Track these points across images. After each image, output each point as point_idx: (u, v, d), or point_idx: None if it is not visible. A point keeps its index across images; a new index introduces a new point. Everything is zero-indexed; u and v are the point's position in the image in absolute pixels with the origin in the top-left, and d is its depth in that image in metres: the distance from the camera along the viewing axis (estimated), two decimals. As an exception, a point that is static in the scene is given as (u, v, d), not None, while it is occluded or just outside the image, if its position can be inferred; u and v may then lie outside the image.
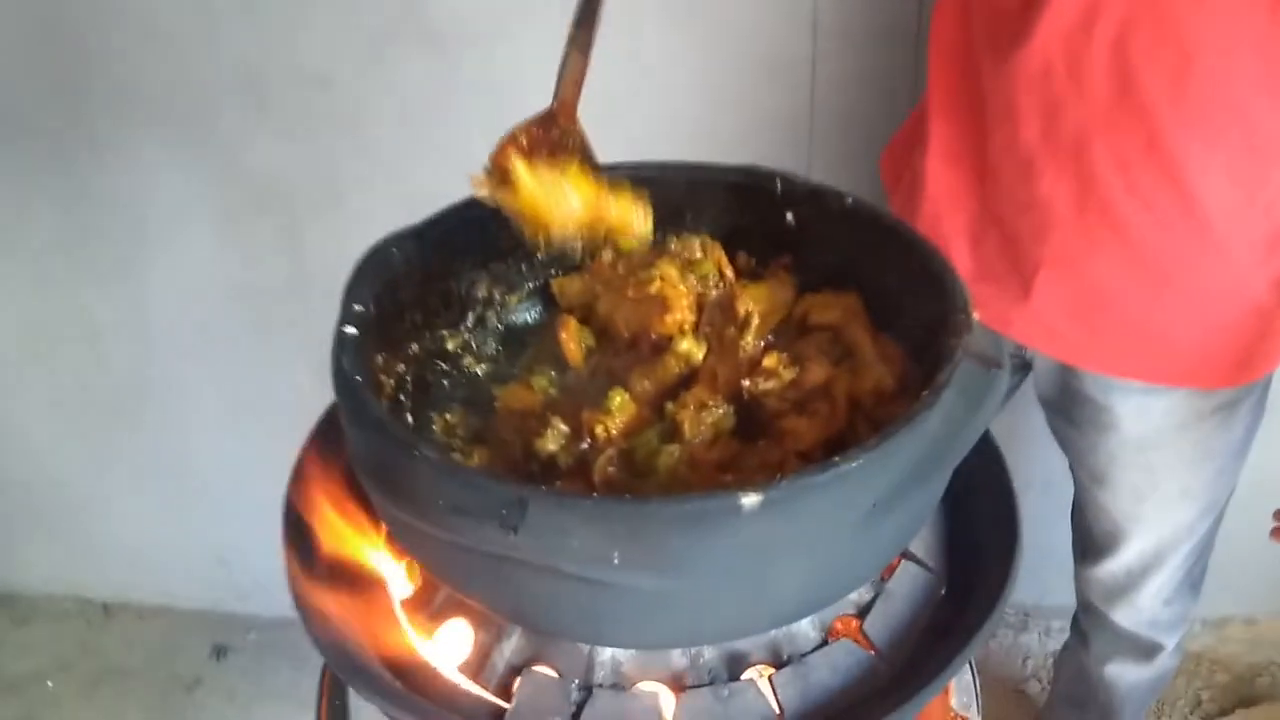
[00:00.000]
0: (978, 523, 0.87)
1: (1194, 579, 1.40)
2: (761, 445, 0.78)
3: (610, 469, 0.76)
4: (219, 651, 2.14)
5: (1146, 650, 1.46)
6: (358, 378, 0.72)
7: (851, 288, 0.86)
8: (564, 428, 0.79)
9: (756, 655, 0.79)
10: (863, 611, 0.82)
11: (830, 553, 0.68)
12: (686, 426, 0.78)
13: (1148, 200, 0.99)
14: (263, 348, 1.83)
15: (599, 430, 0.79)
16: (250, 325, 1.82)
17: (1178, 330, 1.08)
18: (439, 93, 1.52)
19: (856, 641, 0.80)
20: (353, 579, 0.83)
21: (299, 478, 0.85)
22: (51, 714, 2.02)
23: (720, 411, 0.80)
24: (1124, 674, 1.50)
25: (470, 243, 0.89)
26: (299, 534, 0.82)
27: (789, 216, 0.89)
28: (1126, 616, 1.41)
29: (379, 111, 1.55)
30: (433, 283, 0.88)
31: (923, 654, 0.80)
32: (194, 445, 1.97)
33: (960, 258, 1.12)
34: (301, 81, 1.52)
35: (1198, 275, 1.04)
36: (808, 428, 0.78)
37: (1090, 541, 1.38)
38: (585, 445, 0.78)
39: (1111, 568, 1.36)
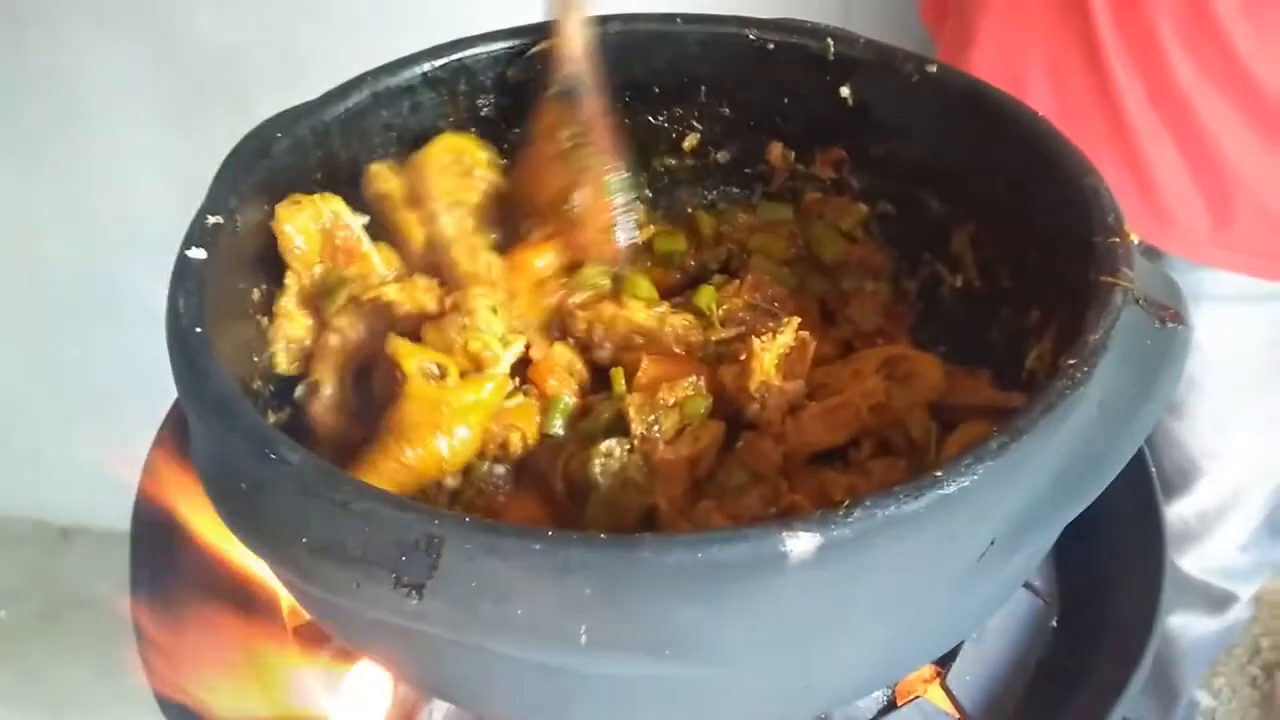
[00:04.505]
0: (1100, 525, 0.63)
1: (1276, 521, 1.28)
2: (744, 444, 0.57)
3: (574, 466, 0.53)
4: (185, 581, 2.01)
5: (1217, 601, 1.33)
6: (198, 329, 0.47)
7: (930, 190, 0.69)
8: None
9: (795, 725, 0.56)
10: (945, 656, 0.60)
11: (919, 614, 0.44)
12: (634, 415, 0.56)
13: (1262, 22, 0.88)
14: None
15: (514, 439, 0.56)
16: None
17: None
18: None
19: (931, 696, 0.59)
20: (233, 596, 0.60)
21: (152, 467, 0.63)
22: (4, 647, 1.86)
23: (687, 389, 0.58)
24: (1189, 627, 1.37)
25: (399, 124, 0.68)
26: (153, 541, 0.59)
27: (845, 91, 0.69)
28: (1196, 563, 1.28)
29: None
30: (341, 183, 0.64)
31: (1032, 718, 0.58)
32: (152, 355, 1.79)
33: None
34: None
35: None
36: (816, 421, 0.57)
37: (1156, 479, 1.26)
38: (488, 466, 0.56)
39: (1181, 509, 1.23)
